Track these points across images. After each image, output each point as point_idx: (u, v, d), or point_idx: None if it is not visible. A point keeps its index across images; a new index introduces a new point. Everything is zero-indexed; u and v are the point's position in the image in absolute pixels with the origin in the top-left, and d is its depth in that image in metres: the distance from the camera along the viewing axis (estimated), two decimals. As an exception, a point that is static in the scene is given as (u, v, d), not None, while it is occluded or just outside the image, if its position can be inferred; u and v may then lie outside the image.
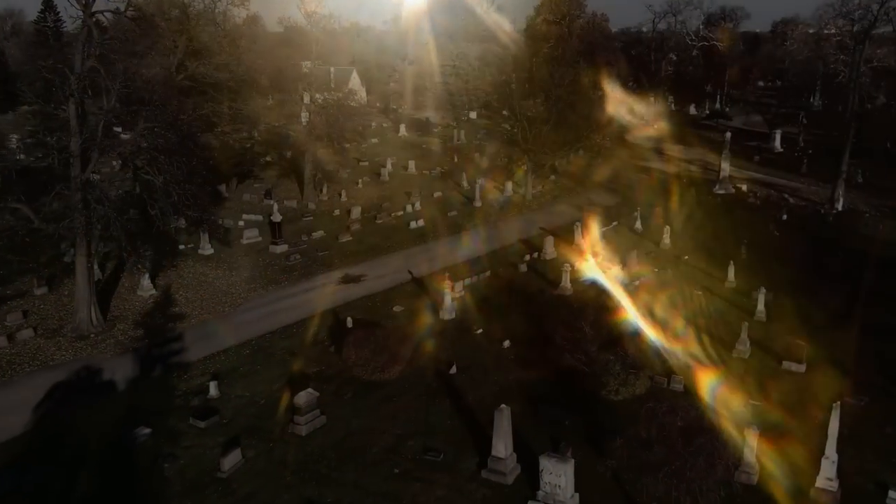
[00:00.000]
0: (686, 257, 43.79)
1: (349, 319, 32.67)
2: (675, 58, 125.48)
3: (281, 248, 45.60)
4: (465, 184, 62.42)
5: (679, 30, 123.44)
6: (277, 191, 61.07)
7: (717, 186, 61.72)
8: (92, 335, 33.41)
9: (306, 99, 57.62)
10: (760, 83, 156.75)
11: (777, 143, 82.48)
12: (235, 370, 30.24)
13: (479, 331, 33.35)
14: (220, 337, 33.34)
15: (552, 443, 23.44)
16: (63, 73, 30.96)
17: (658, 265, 42.56)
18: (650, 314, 33.42)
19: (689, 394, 27.37)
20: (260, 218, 52.25)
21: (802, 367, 29.49)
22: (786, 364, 29.75)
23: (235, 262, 43.93)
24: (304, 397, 24.93)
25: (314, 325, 34.38)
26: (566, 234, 48.99)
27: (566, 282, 38.00)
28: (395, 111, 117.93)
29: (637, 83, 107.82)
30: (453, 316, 34.86)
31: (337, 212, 54.72)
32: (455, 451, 24.06)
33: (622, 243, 47.16)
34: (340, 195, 58.91)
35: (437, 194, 60.26)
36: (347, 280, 40.86)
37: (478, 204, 57.09)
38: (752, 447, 22.01)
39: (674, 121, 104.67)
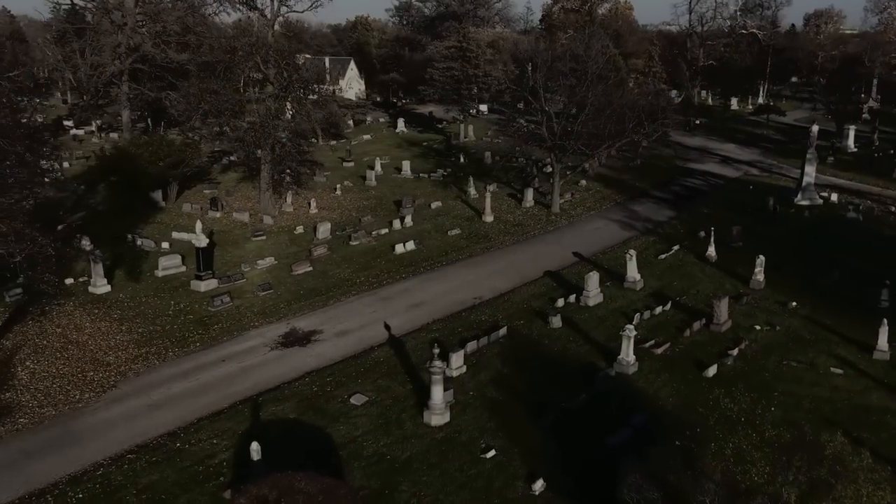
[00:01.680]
0: (794, 304, 29.72)
1: (254, 447, 18.52)
2: (701, 49, 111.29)
3: (206, 285, 31.89)
4: (471, 190, 48.54)
5: (716, 16, 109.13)
6: (232, 199, 47.46)
7: (798, 196, 47.54)
8: None
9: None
10: (794, 79, 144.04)
11: (850, 142, 68.22)
12: (38, 547, 16.49)
13: (490, 453, 19.43)
14: (44, 461, 19.58)
15: None
16: None
17: (761, 318, 28.50)
18: (783, 422, 19.52)
19: None
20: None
21: None
22: None
23: (136, 306, 30.19)
24: None
25: (212, 438, 20.62)
26: (612, 263, 35.12)
27: (628, 353, 24.01)
28: (395, 105, 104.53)
29: (672, 74, 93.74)
30: (447, 420, 20.94)
31: (300, 228, 40.95)
32: None
33: (693, 279, 33.25)
34: (310, 205, 45.18)
35: (435, 205, 46.39)
36: (291, 340, 27.06)
37: (488, 218, 43.16)
38: None
39: (716, 116, 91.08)
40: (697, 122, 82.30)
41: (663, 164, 61.18)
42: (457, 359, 23.77)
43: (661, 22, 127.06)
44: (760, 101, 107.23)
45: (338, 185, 49.68)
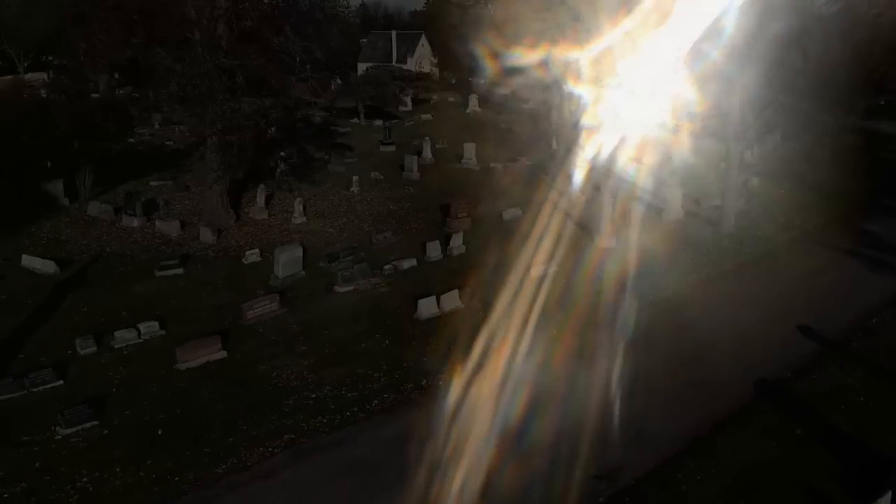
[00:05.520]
0: None
1: None
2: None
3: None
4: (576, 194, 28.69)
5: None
6: (182, 198, 29.34)
7: None
8: None
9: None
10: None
11: None
12: None
13: None
14: None
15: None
16: None
17: None
18: None
19: None
20: (52, 269, 20.66)
21: None
22: None
23: None
24: None
25: None
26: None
27: None
28: (471, 83, 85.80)
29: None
30: None
31: (253, 254, 22.19)
32: None
33: None
34: (295, 209, 26.52)
35: (510, 213, 26.90)
36: None
37: (607, 243, 23.27)
38: None
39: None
40: (882, 102, 60.81)
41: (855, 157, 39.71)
42: None
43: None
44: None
45: (354, 178, 30.73)
